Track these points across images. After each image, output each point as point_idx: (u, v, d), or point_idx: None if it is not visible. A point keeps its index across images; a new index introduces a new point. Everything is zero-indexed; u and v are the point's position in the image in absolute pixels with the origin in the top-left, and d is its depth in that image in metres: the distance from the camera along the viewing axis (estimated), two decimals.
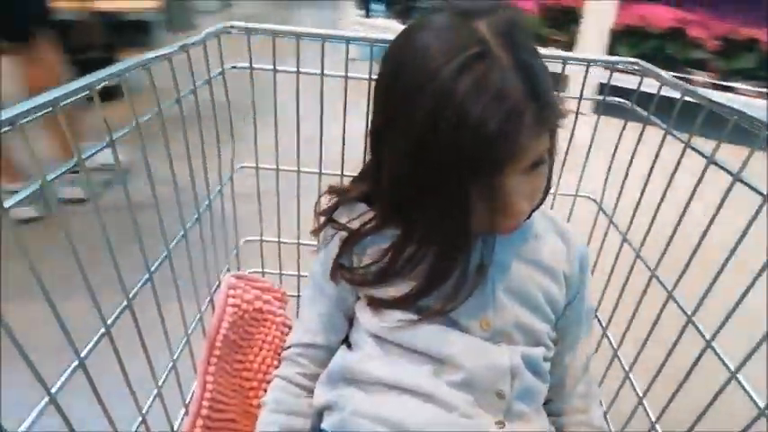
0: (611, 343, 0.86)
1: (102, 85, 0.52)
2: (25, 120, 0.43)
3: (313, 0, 5.42)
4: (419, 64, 0.51)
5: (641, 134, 0.80)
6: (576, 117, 0.87)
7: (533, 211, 0.61)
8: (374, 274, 0.61)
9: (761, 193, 0.56)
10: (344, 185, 0.69)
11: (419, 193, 0.54)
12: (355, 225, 0.64)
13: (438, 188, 0.52)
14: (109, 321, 0.57)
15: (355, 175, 0.70)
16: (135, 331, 0.61)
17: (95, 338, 0.56)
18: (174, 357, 0.74)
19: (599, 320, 0.87)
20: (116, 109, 0.59)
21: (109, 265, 0.56)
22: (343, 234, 0.65)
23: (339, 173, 0.91)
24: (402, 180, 0.55)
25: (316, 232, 0.69)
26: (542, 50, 0.81)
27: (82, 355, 0.52)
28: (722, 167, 0.62)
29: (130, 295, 0.61)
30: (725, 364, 0.62)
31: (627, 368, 0.81)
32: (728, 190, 0.59)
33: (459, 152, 0.49)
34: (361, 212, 0.64)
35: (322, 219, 0.69)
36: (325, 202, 0.69)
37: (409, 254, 0.58)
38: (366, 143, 0.64)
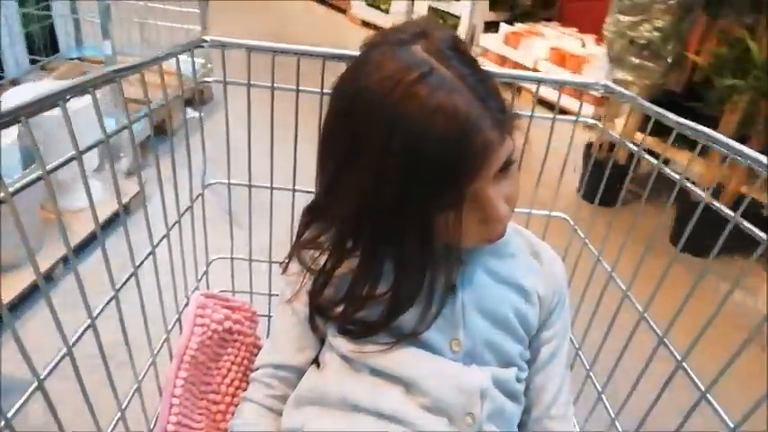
0: (584, 363, 0.87)
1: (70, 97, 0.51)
2: None
3: None
4: (365, 100, 0.51)
5: (614, 153, 0.81)
6: (551, 137, 0.88)
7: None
8: (345, 310, 0.60)
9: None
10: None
11: (379, 223, 0.54)
12: (320, 262, 0.62)
13: (401, 215, 0.52)
14: (71, 342, 0.55)
15: None
16: (98, 352, 0.59)
17: (56, 359, 0.53)
18: (139, 379, 0.71)
19: (572, 340, 0.87)
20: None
21: (72, 283, 0.54)
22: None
23: (313, 190, 0.89)
24: (362, 213, 0.55)
25: (284, 271, 0.68)
26: (515, 72, 0.82)
27: (41, 376, 0.50)
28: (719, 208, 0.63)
29: (94, 314, 0.58)
30: (695, 383, 0.62)
31: (600, 388, 0.82)
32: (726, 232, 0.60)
33: (421, 176, 0.49)
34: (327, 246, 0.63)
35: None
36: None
37: (372, 281, 0.58)
38: None
